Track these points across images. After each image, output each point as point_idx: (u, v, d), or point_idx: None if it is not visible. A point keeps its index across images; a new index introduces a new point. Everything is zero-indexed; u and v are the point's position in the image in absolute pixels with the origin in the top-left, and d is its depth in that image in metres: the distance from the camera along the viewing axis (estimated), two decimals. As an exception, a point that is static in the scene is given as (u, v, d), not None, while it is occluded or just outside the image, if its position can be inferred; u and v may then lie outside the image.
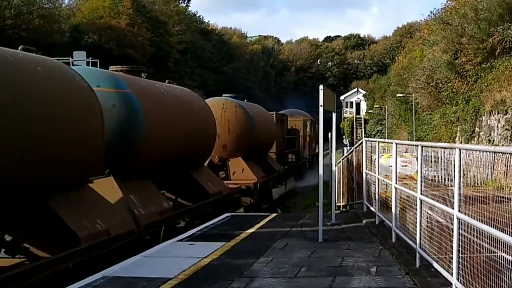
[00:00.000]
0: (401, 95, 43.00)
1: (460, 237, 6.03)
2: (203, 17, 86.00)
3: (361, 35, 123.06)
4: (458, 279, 6.05)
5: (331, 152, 13.81)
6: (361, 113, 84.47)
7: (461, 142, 25.47)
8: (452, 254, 6.18)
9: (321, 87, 10.39)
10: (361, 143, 14.24)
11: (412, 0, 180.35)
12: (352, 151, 16.24)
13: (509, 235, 4.83)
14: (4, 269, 7.35)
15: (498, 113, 22.42)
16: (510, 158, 5.68)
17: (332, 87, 61.96)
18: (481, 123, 24.60)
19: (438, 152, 7.87)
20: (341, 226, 12.22)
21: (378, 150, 11.77)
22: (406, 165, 10.28)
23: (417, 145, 8.08)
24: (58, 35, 46.24)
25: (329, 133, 13.05)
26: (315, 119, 39.46)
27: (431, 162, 7.88)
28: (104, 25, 50.40)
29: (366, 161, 13.30)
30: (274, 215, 14.17)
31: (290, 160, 32.06)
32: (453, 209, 6.11)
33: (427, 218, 7.56)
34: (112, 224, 9.07)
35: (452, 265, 6.20)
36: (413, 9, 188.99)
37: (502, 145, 20.48)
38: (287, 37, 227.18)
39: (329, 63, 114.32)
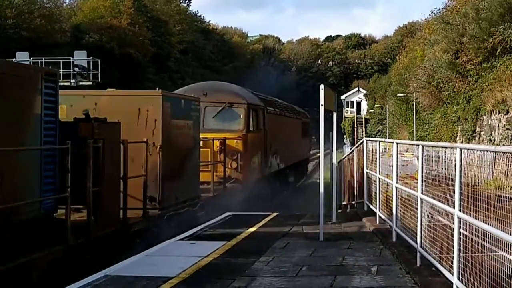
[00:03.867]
0: (402, 94, 43.05)
1: (461, 236, 6.04)
2: (204, 17, 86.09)
3: (362, 35, 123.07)
4: (459, 278, 6.06)
5: (332, 151, 13.81)
6: (361, 113, 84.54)
7: (462, 142, 25.47)
8: (453, 254, 6.19)
9: (321, 86, 10.40)
10: (362, 142, 14.26)
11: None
12: (353, 150, 16.26)
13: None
14: None
15: (499, 113, 22.43)
16: (511, 158, 5.69)
17: (332, 86, 61.98)
18: (482, 122, 24.61)
19: (439, 151, 7.88)
20: (341, 226, 12.23)
21: (379, 150, 11.78)
22: (407, 165, 10.28)
23: (418, 145, 8.08)
24: (59, 35, 46.27)
25: (330, 133, 13.05)
26: (263, 106, 20.20)
27: (432, 161, 7.89)
28: (105, 24, 50.41)
29: (366, 161, 13.32)
30: (275, 214, 14.16)
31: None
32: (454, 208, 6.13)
33: (427, 217, 7.57)
34: None
35: (453, 264, 6.21)
36: (419, 8, 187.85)
37: (503, 144, 20.47)
38: (292, 36, 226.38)
39: (330, 62, 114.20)
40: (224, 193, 15.81)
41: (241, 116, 17.83)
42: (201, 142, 14.33)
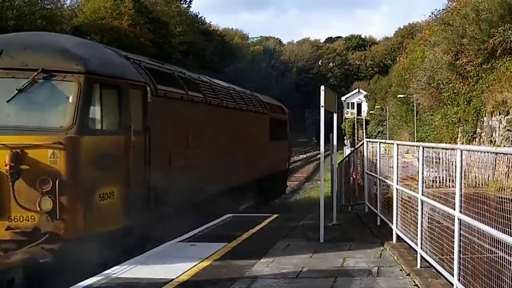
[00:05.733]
0: (402, 96, 43.03)
1: (461, 238, 6.05)
2: (204, 18, 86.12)
3: (362, 36, 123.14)
4: (459, 280, 6.06)
5: (332, 153, 13.82)
6: (362, 114, 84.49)
7: (462, 143, 25.46)
8: (453, 255, 6.20)
9: (322, 87, 10.42)
10: (362, 144, 14.26)
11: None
12: (353, 151, 16.27)
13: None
14: None
15: (500, 114, 22.41)
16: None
17: (333, 88, 61.82)
18: (483, 124, 24.59)
19: (439, 153, 7.88)
20: (342, 227, 12.23)
21: (380, 151, 11.78)
22: (407, 166, 10.29)
23: (418, 146, 8.09)
24: (60, 36, 46.27)
25: (330, 134, 13.05)
26: (144, 82, 9.95)
27: (433, 163, 7.89)
28: (106, 26, 50.46)
29: (367, 162, 13.32)
30: (275, 216, 14.17)
31: None
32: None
33: (428, 218, 7.58)
34: None
35: (453, 266, 6.21)
36: (424, 9, 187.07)
37: (504, 145, 20.46)
38: (294, 37, 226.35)
39: (331, 64, 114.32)
40: None
41: (70, 99, 8.47)
42: None
